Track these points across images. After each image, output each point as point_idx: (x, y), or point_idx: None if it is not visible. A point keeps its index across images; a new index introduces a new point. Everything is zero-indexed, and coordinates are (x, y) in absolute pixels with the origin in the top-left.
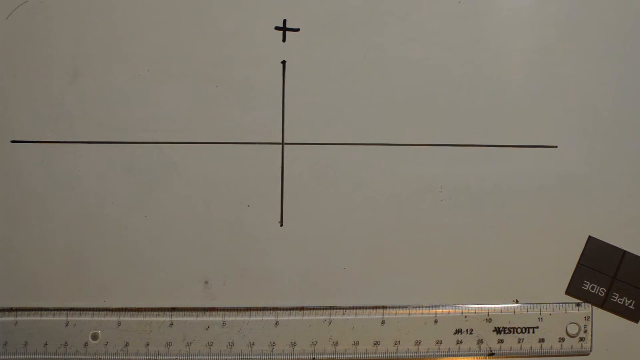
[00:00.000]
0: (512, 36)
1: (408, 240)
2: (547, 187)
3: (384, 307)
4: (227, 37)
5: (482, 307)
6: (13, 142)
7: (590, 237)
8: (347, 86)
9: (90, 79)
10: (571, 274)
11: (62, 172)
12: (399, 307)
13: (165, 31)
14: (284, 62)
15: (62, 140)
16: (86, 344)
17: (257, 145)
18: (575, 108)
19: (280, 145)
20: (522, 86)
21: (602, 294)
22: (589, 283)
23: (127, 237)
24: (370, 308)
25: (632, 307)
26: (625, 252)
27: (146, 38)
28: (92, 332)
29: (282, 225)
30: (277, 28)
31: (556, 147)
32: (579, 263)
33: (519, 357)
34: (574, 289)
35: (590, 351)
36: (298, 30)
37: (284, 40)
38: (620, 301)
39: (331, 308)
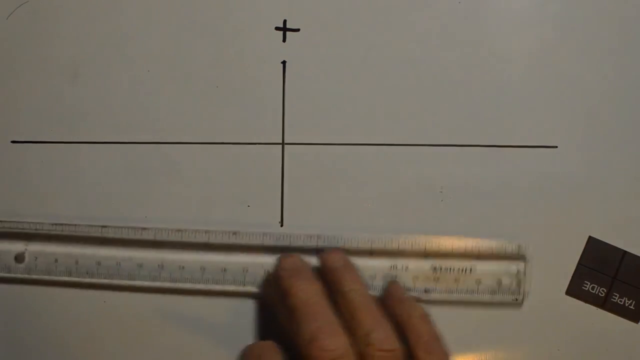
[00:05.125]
0: (512, 36)
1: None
2: (547, 187)
3: None
4: (227, 37)
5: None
6: (13, 142)
7: (590, 237)
8: (347, 86)
9: (90, 79)
10: (571, 274)
11: (62, 172)
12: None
13: (165, 31)
14: (284, 62)
15: (62, 140)
16: None
17: (257, 145)
18: (575, 108)
19: (280, 145)
20: (522, 86)
21: (602, 294)
22: (589, 283)
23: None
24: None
25: (632, 307)
26: (625, 252)
27: (146, 38)
28: None
29: (282, 225)
30: (277, 28)
31: (556, 147)
32: (579, 263)
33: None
34: (574, 289)
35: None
36: (298, 30)
37: (284, 40)
38: (620, 301)
39: None
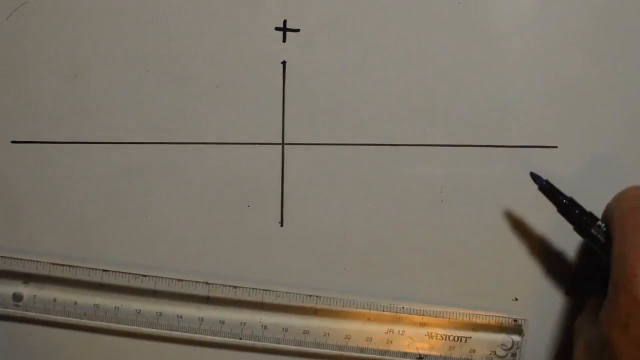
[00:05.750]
0: (512, 36)
1: (408, 241)
2: None
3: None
4: (227, 37)
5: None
6: (13, 142)
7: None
8: (347, 86)
9: (90, 79)
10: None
11: (62, 172)
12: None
13: (165, 31)
14: (284, 62)
15: (62, 140)
16: None
17: (257, 145)
18: (575, 108)
19: (280, 145)
20: (522, 86)
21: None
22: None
23: (127, 237)
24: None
25: None
26: None
27: (146, 38)
28: None
29: (282, 225)
30: (277, 28)
31: (556, 147)
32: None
33: None
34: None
35: None
36: (298, 30)
37: (284, 40)
38: None
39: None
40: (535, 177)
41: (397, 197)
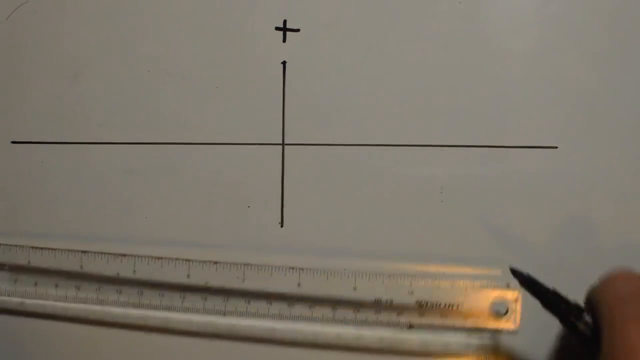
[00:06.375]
0: (512, 36)
1: (408, 241)
2: (547, 187)
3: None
4: (227, 37)
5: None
6: (13, 142)
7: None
8: (347, 86)
9: (90, 79)
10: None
11: (62, 172)
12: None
13: (165, 31)
14: (284, 62)
15: (62, 141)
16: None
17: (257, 145)
18: (575, 108)
19: (280, 146)
20: (522, 86)
21: None
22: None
23: (127, 237)
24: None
25: None
26: None
27: (146, 38)
28: None
29: (282, 226)
30: (277, 28)
31: (556, 147)
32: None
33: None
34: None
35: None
36: (298, 30)
37: (284, 41)
38: None
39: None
40: (515, 273)
41: (397, 197)
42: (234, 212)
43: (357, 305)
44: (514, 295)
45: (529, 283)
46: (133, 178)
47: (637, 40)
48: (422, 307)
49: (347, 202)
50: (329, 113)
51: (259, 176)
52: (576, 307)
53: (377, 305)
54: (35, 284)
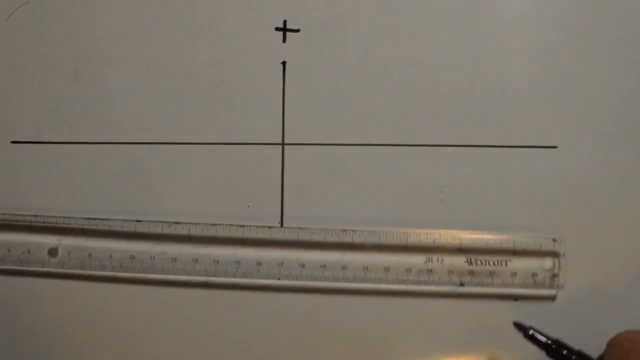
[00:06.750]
0: (512, 36)
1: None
2: (547, 187)
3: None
4: (227, 37)
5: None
6: (13, 142)
7: None
8: (347, 86)
9: (90, 79)
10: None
11: (62, 172)
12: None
13: (165, 31)
14: (284, 63)
15: (62, 141)
16: None
17: (257, 145)
18: (575, 108)
19: (280, 146)
20: (522, 86)
21: None
22: None
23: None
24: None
25: None
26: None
27: (146, 38)
28: None
29: (282, 226)
30: (277, 28)
31: (556, 147)
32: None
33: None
34: None
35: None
36: (298, 30)
37: (284, 41)
38: None
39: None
40: (519, 327)
41: (397, 197)
42: (234, 212)
43: (408, 265)
44: None
45: (533, 336)
46: (133, 178)
47: (637, 40)
48: (471, 265)
49: (347, 202)
50: (329, 113)
51: (259, 176)
52: (579, 354)
53: (428, 264)
54: (90, 255)
